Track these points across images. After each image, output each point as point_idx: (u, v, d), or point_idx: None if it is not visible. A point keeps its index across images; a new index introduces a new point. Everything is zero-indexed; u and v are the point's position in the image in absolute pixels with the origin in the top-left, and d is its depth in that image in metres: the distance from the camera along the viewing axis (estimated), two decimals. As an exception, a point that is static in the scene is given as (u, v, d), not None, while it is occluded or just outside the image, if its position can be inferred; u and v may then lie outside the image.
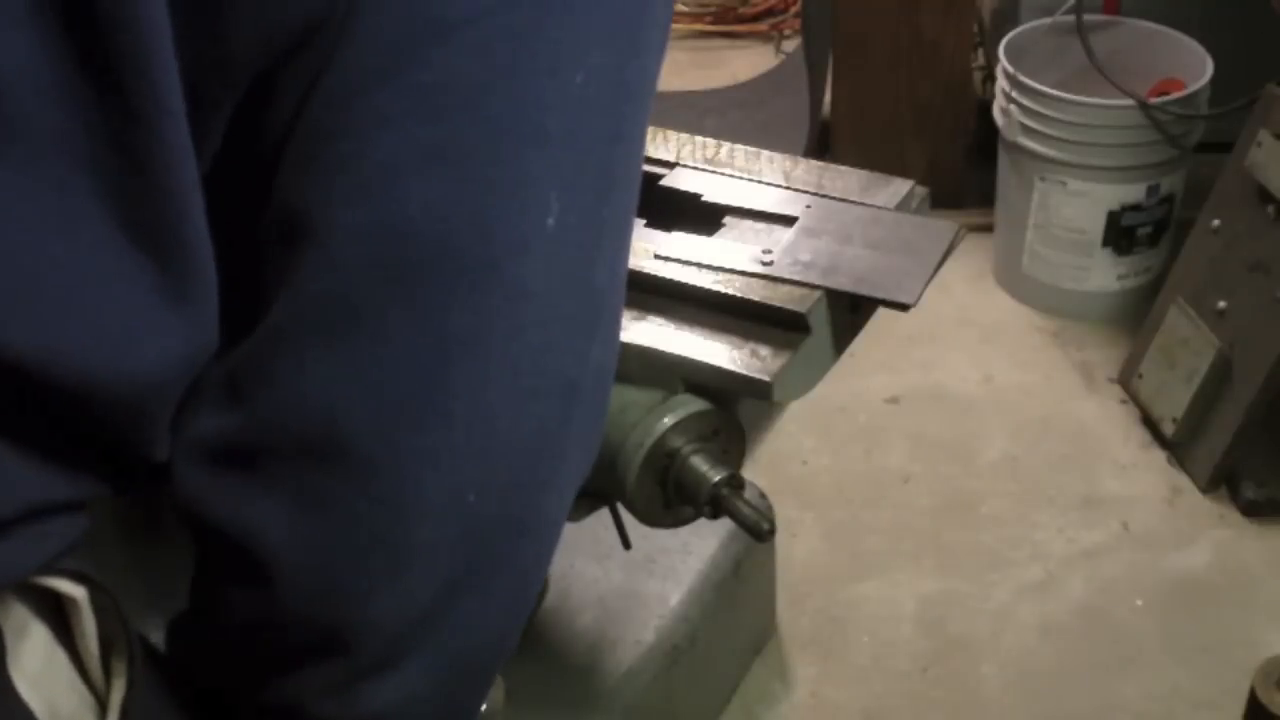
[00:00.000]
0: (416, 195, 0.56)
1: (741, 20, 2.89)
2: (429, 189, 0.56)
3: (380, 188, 0.56)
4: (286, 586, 0.59)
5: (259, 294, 0.59)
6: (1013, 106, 1.95)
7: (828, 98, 2.20)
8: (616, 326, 0.67)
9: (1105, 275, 2.01)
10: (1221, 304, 1.72)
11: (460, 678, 0.66)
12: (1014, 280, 2.10)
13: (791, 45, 2.71)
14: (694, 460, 0.94)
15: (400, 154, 0.56)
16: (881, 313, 0.98)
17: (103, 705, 0.61)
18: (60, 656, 0.59)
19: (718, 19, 2.89)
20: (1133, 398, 1.89)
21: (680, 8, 2.90)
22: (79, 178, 0.52)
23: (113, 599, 0.60)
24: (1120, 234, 1.96)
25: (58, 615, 0.59)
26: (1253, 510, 1.72)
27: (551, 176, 0.58)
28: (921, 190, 1.08)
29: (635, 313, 0.97)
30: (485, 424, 0.59)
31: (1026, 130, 1.94)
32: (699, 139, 1.14)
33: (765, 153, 1.12)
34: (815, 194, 1.06)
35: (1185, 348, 1.77)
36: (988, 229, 2.14)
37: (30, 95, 0.51)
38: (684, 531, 1.07)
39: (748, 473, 0.99)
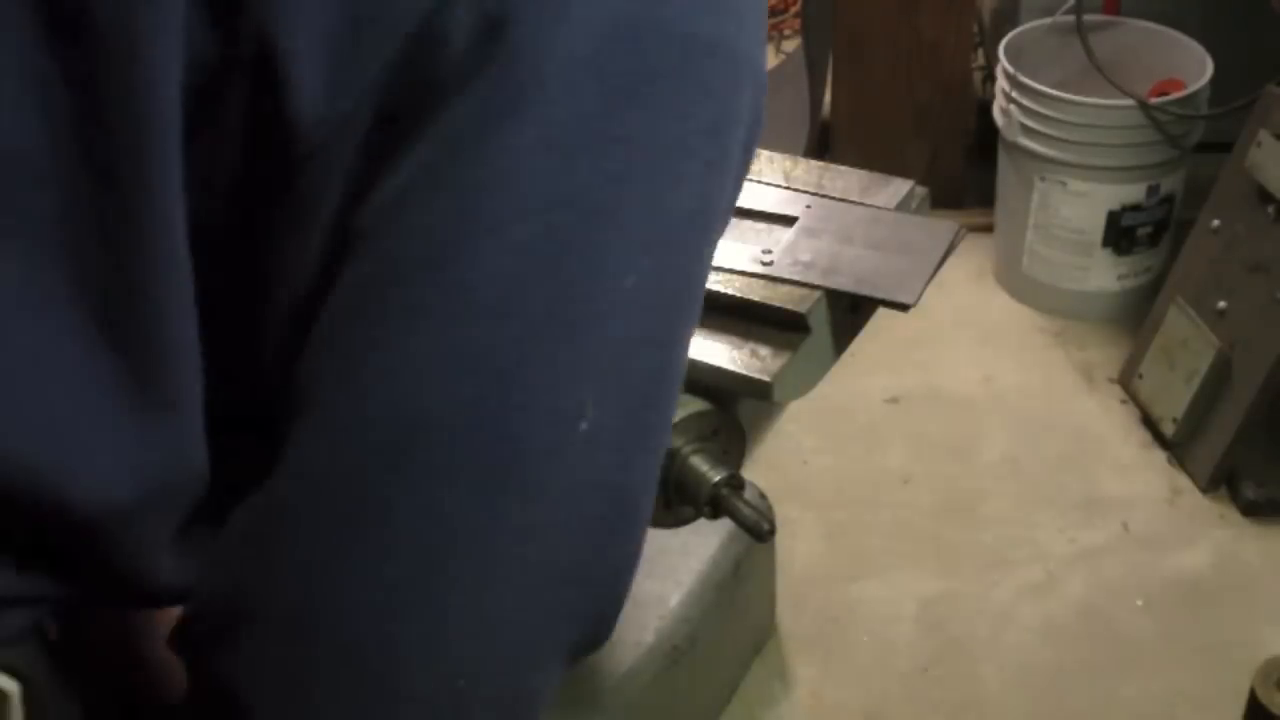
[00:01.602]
0: (440, 392, 0.53)
1: (741, 20, 2.88)
2: (454, 387, 0.53)
3: (403, 379, 0.53)
4: None
5: (262, 440, 0.56)
6: (1013, 106, 1.95)
7: (828, 98, 2.20)
8: (643, 525, 0.62)
9: (1105, 275, 2.01)
10: (1221, 304, 1.72)
11: None
12: (1014, 280, 2.10)
13: (791, 45, 2.71)
14: (694, 460, 0.94)
15: (430, 349, 0.53)
16: (881, 313, 0.98)
17: None
18: None
19: (718, 19, 2.89)
20: (1133, 398, 1.89)
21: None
22: (57, 263, 0.51)
23: (46, 698, 0.57)
24: (1120, 234, 1.96)
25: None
26: (1253, 510, 1.72)
27: (589, 381, 0.55)
28: (921, 190, 1.08)
29: (635, 313, 0.97)
30: (481, 620, 0.56)
31: (1026, 130, 1.94)
32: (699, 139, 1.14)
33: (765, 153, 1.12)
34: (815, 194, 1.06)
35: (1185, 348, 1.77)
36: (988, 229, 2.14)
37: (23, 176, 0.50)
38: (684, 531, 1.07)
39: (748, 473, 0.99)
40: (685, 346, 0.62)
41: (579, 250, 0.54)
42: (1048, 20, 2.04)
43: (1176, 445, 1.80)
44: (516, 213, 0.53)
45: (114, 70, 0.50)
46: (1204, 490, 1.75)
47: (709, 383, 0.94)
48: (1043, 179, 1.96)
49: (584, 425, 0.55)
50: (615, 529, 0.59)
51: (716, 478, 0.93)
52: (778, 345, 0.94)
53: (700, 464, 0.94)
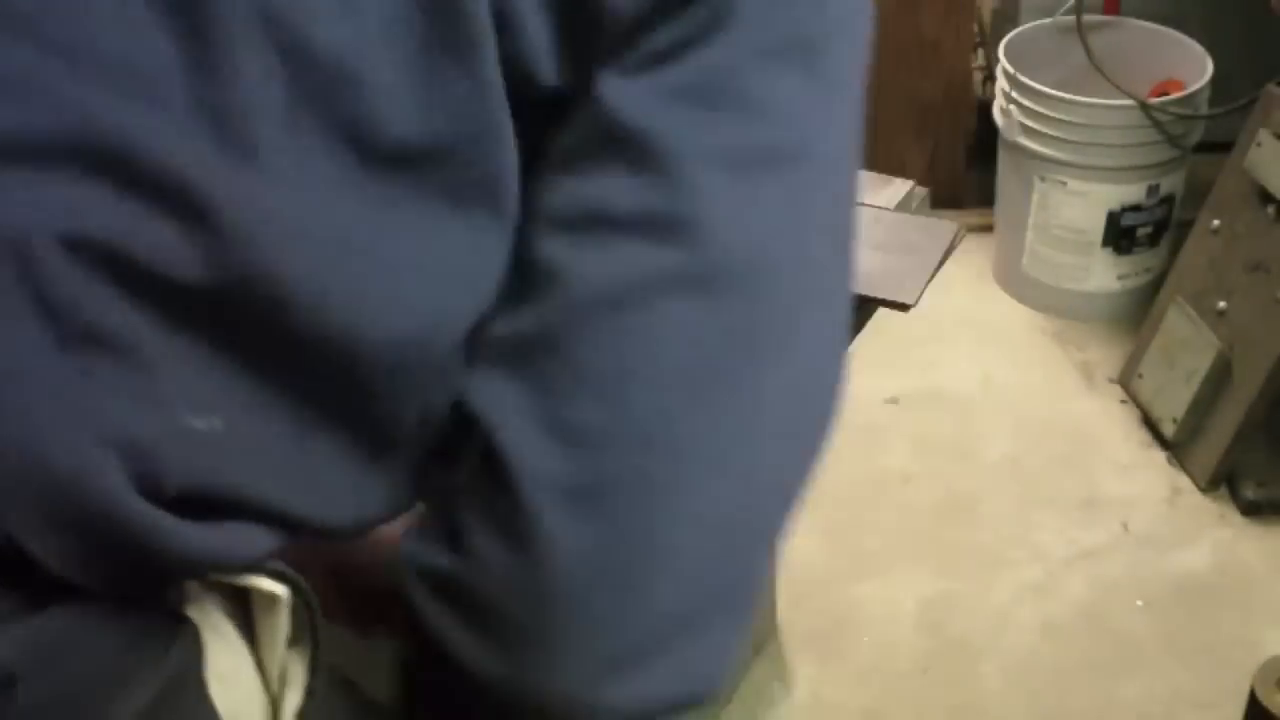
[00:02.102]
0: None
1: (741, 20, 2.89)
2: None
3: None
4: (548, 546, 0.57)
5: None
6: (1013, 106, 1.95)
7: (828, 98, 2.20)
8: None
9: (1105, 275, 2.01)
10: (1221, 304, 1.72)
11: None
12: (1014, 280, 2.10)
13: (791, 45, 2.71)
14: (694, 460, 0.94)
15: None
16: (881, 313, 0.98)
17: (275, 710, 0.61)
18: (246, 659, 0.59)
19: (718, 19, 2.89)
20: (1133, 398, 1.89)
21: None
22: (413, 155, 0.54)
23: (314, 601, 0.60)
24: (1120, 234, 1.96)
25: (244, 616, 0.59)
26: (1253, 510, 1.72)
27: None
28: (921, 190, 1.08)
29: (635, 313, 0.97)
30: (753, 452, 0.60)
31: (1026, 130, 1.94)
32: (699, 139, 1.14)
33: (765, 153, 1.12)
34: (815, 194, 1.06)
35: (1185, 348, 1.77)
36: (988, 229, 2.14)
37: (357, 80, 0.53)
38: (684, 531, 1.07)
39: (748, 473, 0.99)
40: None
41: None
42: (1048, 20, 2.04)
43: (1176, 445, 1.80)
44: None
45: None
46: (1204, 490, 1.75)
47: (709, 383, 0.94)
48: (1043, 179, 1.96)
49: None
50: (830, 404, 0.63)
51: (716, 478, 0.93)
52: (778, 345, 0.93)
53: (700, 464, 0.94)
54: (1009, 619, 1.61)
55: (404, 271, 0.55)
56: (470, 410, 0.57)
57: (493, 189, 0.56)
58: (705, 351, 0.56)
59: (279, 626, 0.59)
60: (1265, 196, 1.68)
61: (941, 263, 0.98)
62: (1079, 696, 1.52)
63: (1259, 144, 1.68)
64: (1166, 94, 1.90)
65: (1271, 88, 1.68)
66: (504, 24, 0.53)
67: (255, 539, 0.56)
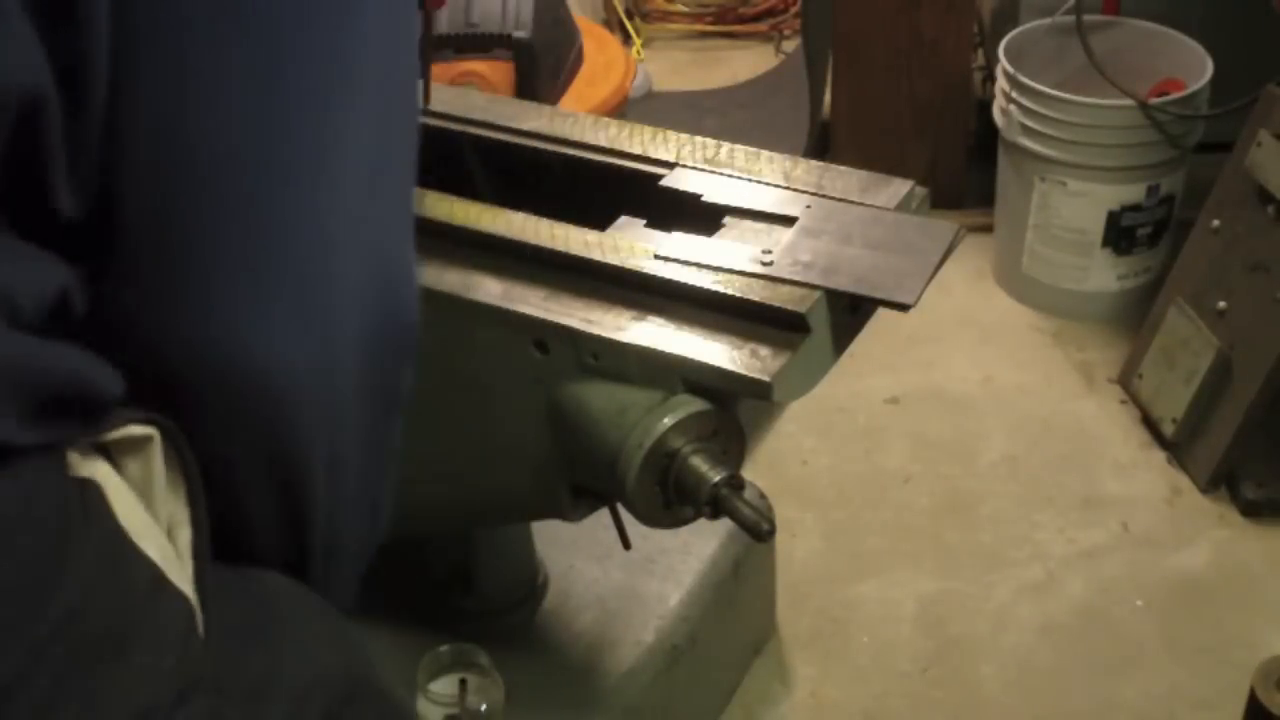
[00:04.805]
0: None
1: (741, 20, 2.89)
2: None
3: None
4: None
5: None
6: (1013, 106, 1.95)
7: (828, 98, 2.20)
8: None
9: (1105, 275, 2.01)
10: (1221, 304, 1.72)
11: None
12: (1014, 280, 2.10)
13: (791, 45, 2.71)
14: (694, 461, 0.94)
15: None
16: (881, 313, 0.98)
17: (176, 551, 0.62)
18: (140, 507, 0.61)
19: (718, 19, 2.89)
20: (1133, 398, 1.89)
21: (680, 8, 2.91)
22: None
23: (180, 437, 0.62)
24: (1120, 234, 1.96)
25: (118, 468, 0.61)
26: (1253, 510, 1.72)
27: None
28: (921, 190, 1.07)
29: (635, 313, 0.97)
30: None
31: (1026, 130, 1.94)
32: (699, 139, 1.14)
33: (765, 153, 1.12)
34: (815, 194, 1.06)
35: (1185, 348, 1.77)
36: (988, 229, 2.14)
37: None
38: (684, 531, 1.07)
39: (748, 473, 0.99)
40: None
41: None
42: (1048, 20, 2.04)
43: (1176, 445, 1.80)
44: None
45: None
46: (1204, 490, 1.75)
47: (709, 383, 0.94)
48: (1043, 179, 1.96)
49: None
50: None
51: (716, 478, 0.93)
52: (778, 345, 0.94)
53: (700, 464, 0.94)
54: (1009, 619, 1.61)
55: None
56: None
57: None
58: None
59: (154, 467, 0.61)
60: (1265, 196, 1.68)
61: (941, 263, 0.98)
62: (1079, 696, 1.52)
63: (1259, 144, 1.68)
64: (1166, 94, 1.90)
65: (1271, 88, 1.68)
66: None
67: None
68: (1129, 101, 1.86)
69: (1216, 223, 1.76)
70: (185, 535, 0.63)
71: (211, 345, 0.62)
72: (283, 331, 0.64)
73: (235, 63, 0.60)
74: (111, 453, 0.61)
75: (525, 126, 1.18)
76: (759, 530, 0.93)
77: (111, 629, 0.56)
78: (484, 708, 1.15)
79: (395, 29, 0.69)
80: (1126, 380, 1.91)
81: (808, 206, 1.04)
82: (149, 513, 0.61)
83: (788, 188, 1.07)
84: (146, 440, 0.61)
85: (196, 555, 0.63)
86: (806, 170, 1.09)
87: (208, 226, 0.61)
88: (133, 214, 0.60)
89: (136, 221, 0.60)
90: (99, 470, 0.59)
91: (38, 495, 0.55)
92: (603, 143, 1.15)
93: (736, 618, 1.47)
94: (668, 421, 0.93)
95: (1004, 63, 1.97)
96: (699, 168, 1.11)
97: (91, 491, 0.58)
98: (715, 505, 0.94)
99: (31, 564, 0.53)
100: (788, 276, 0.96)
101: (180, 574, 0.61)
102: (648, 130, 1.15)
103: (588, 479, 1.03)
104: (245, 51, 0.60)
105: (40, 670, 0.53)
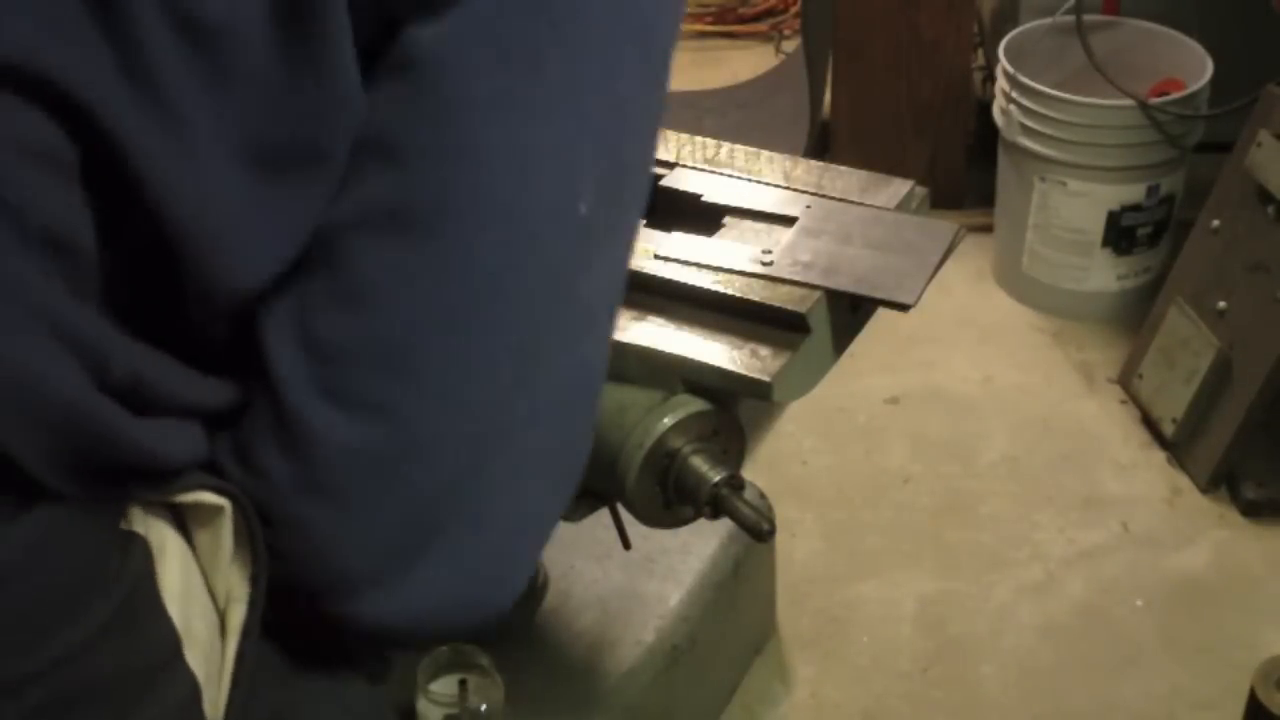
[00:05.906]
0: None
1: (741, 20, 2.89)
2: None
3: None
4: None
5: None
6: (1013, 106, 1.95)
7: (828, 98, 2.20)
8: None
9: (1105, 275, 2.01)
10: (1221, 304, 1.72)
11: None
12: (1014, 280, 2.10)
13: (791, 45, 2.71)
14: (694, 460, 0.94)
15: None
16: (881, 313, 0.98)
17: (222, 624, 0.62)
18: (195, 575, 0.61)
19: (718, 19, 2.89)
20: (1133, 398, 1.89)
21: (680, 7, 2.90)
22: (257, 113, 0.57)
23: (252, 512, 0.61)
24: (1120, 234, 1.96)
25: (188, 536, 0.61)
26: (1253, 510, 1.72)
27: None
28: (921, 190, 1.07)
29: (635, 313, 0.97)
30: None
31: (1026, 130, 1.94)
32: (699, 139, 1.14)
33: (765, 153, 1.12)
34: (815, 194, 1.06)
35: (1185, 348, 1.77)
36: (988, 229, 2.14)
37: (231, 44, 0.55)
38: (684, 531, 1.07)
39: (748, 473, 0.99)
40: None
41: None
42: (1048, 20, 2.04)
43: (1176, 445, 1.80)
44: None
45: None
46: (1204, 490, 1.75)
47: (709, 383, 0.94)
48: (1043, 179, 1.96)
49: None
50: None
51: (716, 478, 0.93)
52: (778, 345, 0.94)
53: (700, 464, 0.94)
54: (1009, 619, 1.61)
55: (271, 228, 0.58)
56: (255, 329, 0.61)
57: (340, 158, 0.59)
58: (449, 286, 0.59)
59: (223, 540, 0.61)
60: (1265, 196, 1.68)
61: (941, 263, 0.98)
62: (1079, 696, 1.52)
63: (1259, 144, 1.68)
64: (1166, 94, 1.90)
65: (1271, 88, 1.68)
66: None
67: (187, 434, 0.59)
68: (1129, 101, 1.86)
69: (1216, 223, 1.76)
70: (240, 611, 0.62)
71: None
72: None
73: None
74: (185, 517, 0.60)
75: (525, 126, 1.18)
76: (759, 530, 0.93)
77: (109, 679, 0.55)
78: (484, 708, 1.15)
79: None
80: (1126, 380, 1.91)
81: (808, 206, 1.04)
82: (208, 583, 0.61)
83: (788, 188, 1.07)
84: (218, 511, 0.60)
85: (246, 633, 0.62)
86: (806, 170, 1.09)
87: None
88: None
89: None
90: (156, 529, 0.59)
91: (61, 541, 0.54)
92: (603, 143, 1.15)
93: (736, 618, 1.47)
94: (668, 421, 0.93)
95: (1004, 63, 1.97)
96: (699, 167, 1.11)
97: (136, 547, 0.58)
98: (715, 505, 0.94)
99: (34, 606, 0.53)
100: (788, 276, 0.96)
101: (202, 651, 0.60)
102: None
103: (587, 479, 1.02)
104: None
105: (19, 702, 0.53)
